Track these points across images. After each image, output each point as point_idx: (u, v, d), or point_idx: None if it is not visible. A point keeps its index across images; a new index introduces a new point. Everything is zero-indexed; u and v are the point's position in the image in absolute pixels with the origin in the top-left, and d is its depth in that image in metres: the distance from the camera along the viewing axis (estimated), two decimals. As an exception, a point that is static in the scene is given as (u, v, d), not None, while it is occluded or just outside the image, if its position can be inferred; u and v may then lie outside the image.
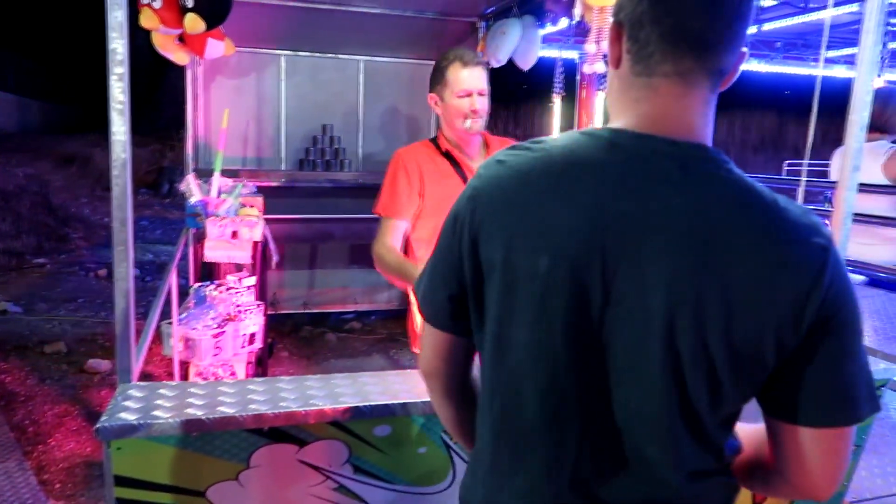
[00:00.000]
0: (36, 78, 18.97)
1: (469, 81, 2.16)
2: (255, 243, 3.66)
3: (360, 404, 1.50)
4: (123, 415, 1.40)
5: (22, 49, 17.89)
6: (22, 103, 16.61)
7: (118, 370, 1.57)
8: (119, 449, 1.37)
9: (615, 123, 0.89)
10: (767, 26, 9.34)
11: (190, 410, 1.43)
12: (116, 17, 1.49)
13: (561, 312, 0.83)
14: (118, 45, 1.49)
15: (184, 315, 3.29)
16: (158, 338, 3.98)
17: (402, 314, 5.89)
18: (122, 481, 1.38)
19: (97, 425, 1.36)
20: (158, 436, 1.38)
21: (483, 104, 2.19)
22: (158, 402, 1.47)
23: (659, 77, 0.84)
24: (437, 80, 2.24)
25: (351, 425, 1.52)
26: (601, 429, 0.85)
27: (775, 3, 9.01)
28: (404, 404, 1.53)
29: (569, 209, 0.82)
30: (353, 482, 1.57)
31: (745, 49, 0.85)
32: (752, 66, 11.84)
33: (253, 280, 3.61)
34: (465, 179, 2.26)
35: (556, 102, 7.59)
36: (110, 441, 1.36)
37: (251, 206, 3.87)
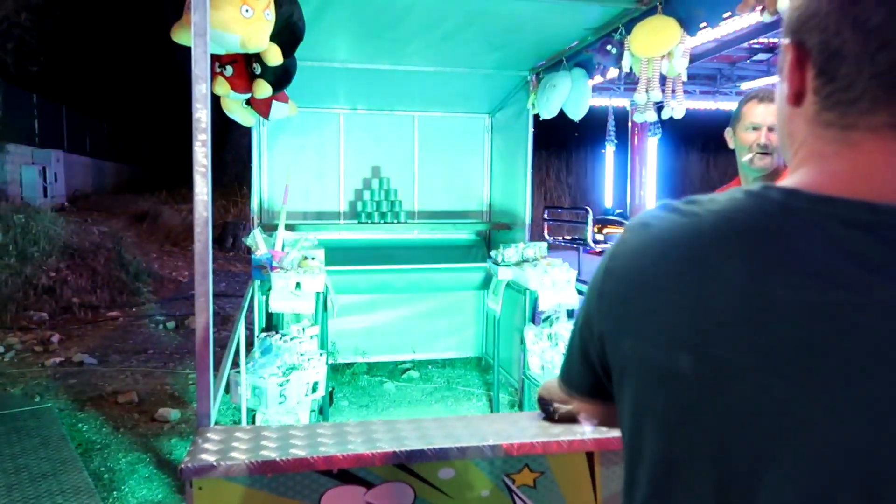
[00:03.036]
0: (109, 141, 20.15)
1: (761, 116, 2.19)
2: (317, 294, 3.79)
3: (425, 447, 1.55)
4: (204, 456, 1.49)
5: (95, 114, 19.08)
6: (96, 165, 17.64)
7: (198, 414, 1.67)
8: (200, 488, 1.46)
9: (790, 181, 0.67)
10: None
11: (264, 452, 1.52)
12: (201, 89, 1.65)
13: (708, 435, 0.62)
14: (202, 114, 1.64)
15: (251, 364, 3.42)
16: (226, 387, 4.12)
17: (457, 363, 5.94)
18: (202, 520, 1.47)
19: (181, 465, 1.45)
20: (236, 476, 1.47)
21: (769, 138, 2.18)
22: (235, 444, 1.56)
23: (863, 131, 0.62)
24: (735, 115, 2.30)
25: (416, 468, 1.57)
26: None
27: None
28: (466, 448, 1.57)
29: (718, 293, 0.61)
30: (418, 525, 1.61)
31: None
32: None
33: (316, 329, 3.73)
34: None
35: (609, 150, 7.63)
36: (192, 480, 1.45)
37: (313, 259, 4.02)
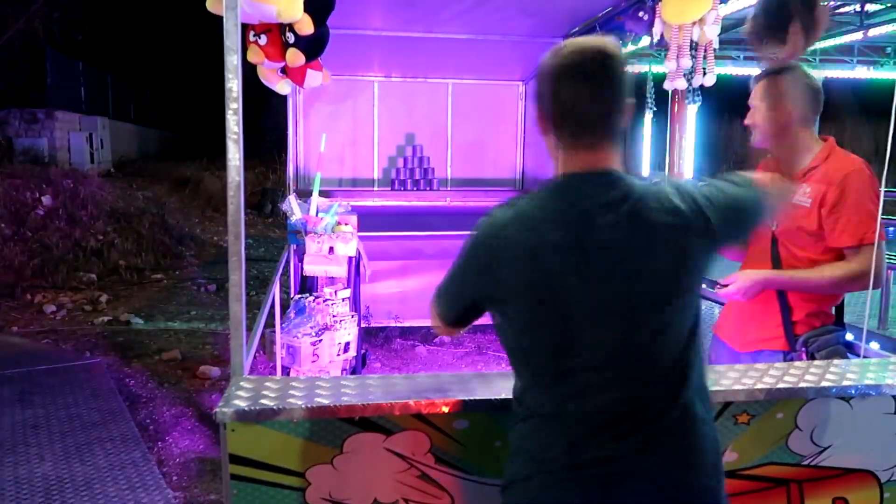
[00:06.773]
0: (152, 109, 20.58)
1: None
2: (350, 258, 3.91)
3: (439, 398, 1.66)
4: (237, 401, 1.61)
5: (139, 83, 19.48)
6: (141, 132, 18.04)
7: (232, 364, 1.79)
8: (233, 430, 1.58)
9: None
10: (874, 31, 8.89)
11: (291, 400, 1.63)
12: (232, 60, 1.74)
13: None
14: (233, 84, 1.73)
15: (286, 324, 3.57)
16: (262, 346, 4.30)
17: (488, 328, 6.03)
18: (235, 459, 1.60)
19: (215, 409, 1.58)
20: (265, 420, 1.59)
21: (752, 117, 2.21)
22: (265, 392, 1.68)
23: None
24: None
25: (431, 418, 1.67)
26: None
27: (882, 7, 8.59)
28: (480, 400, 1.67)
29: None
30: (434, 471, 1.72)
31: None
32: (860, 73, 11.25)
33: (348, 293, 3.85)
34: None
35: (648, 118, 7.61)
36: (226, 423, 1.58)
37: (346, 224, 4.13)
